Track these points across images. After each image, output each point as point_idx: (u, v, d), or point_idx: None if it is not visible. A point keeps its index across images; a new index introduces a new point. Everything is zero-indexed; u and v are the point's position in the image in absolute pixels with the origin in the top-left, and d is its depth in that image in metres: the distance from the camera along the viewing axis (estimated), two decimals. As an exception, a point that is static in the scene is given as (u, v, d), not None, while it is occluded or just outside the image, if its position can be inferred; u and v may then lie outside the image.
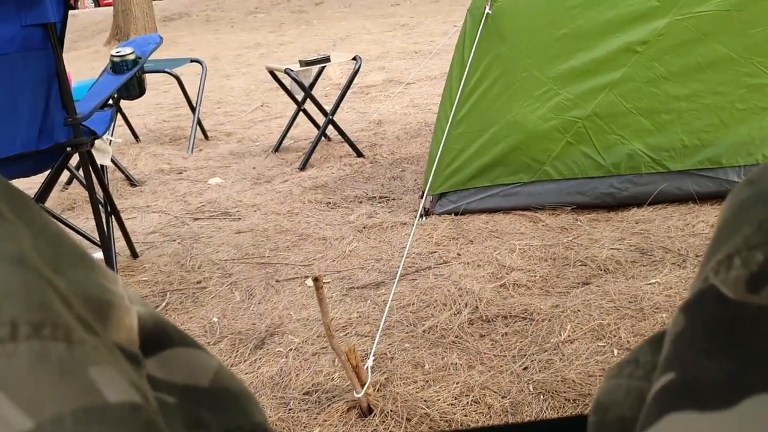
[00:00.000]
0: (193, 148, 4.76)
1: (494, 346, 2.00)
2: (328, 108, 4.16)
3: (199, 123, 4.99)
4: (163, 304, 2.50)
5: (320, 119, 4.22)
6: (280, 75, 4.28)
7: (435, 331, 2.10)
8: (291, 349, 2.09)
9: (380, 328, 2.04)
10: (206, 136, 5.07)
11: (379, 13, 13.13)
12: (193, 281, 2.67)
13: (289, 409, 1.80)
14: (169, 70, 5.04)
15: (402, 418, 1.70)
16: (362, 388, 1.71)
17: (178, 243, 3.08)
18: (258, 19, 14.53)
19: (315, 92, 4.34)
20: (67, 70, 2.29)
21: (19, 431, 0.23)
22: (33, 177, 2.57)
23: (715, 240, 0.32)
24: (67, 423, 0.24)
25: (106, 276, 0.34)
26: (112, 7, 12.97)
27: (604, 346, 1.94)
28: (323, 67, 4.42)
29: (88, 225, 3.22)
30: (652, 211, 2.81)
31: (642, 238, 2.59)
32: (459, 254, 2.62)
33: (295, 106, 4.50)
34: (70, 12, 2.24)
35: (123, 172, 4.07)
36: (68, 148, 2.35)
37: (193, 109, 4.96)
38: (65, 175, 3.71)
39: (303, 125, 4.73)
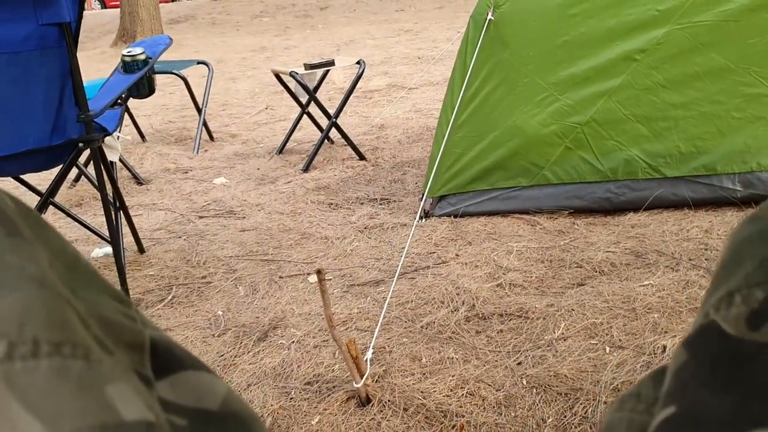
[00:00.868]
0: (198, 148, 4.83)
1: (489, 342, 2.06)
2: (331, 111, 4.23)
3: (205, 124, 5.07)
4: (169, 297, 2.57)
5: (324, 122, 4.29)
6: (285, 78, 4.35)
7: (432, 327, 2.16)
8: (293, 342, 2.15)
9: (379, 323, 2.10)
10: (211, 137, 5.14)
11: (383, 18, 13.21)
12: (199, 276, 2.73)
13: (291, 398, 1.86)
14: (176, 72, 5.12)
15: (399, 408, 1.76)
16: (361, 378, 1.77)
17: (184, 240, 3.15)
18: (263, 22, 14.63)
19: (319, 96, 4.41)
20: (79, 68, 2.36)
21: None
22: (41, 173, 2.64)
23: (717, 276, 0.32)
24: None
25: (120, 299, 0.35)
26: (118, 9, 13.06)
27: (597, 344, 1.99)
28: (327, 71, 4.49)
29: (96, 221, 3.29)
30: (647, 215, 2.87)
31: (637, 242, 2.65)
32: (457, 255, 2.68)
33: (299, 109, 4.57)
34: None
35: (130, 171, 4.14)
36: (80, 144, 2.42)
37: (199, 110, 5.04)
38: (73, 172, 3.78)
39: (307, 128, 4.81)
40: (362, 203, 3.43)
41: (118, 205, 2.74)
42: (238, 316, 2.37)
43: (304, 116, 4.54)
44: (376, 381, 1.87)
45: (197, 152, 4.78)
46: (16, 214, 0.31)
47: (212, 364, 2.07)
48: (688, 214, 2.85)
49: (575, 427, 1.67)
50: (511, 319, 2.18)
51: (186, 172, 4.32)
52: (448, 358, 1.98)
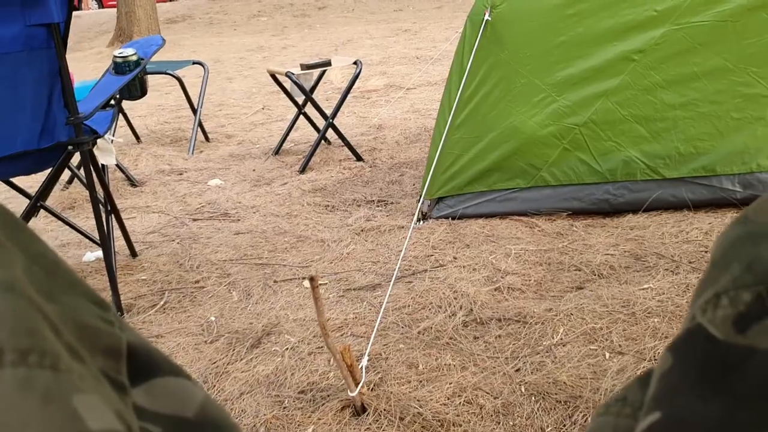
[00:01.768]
0: (193, 149, 4.79)
1: (487, 347, 2.03)
2: (328, 112, 4.19)
3: (200, 125, 5.02)
4: (161, 302, 2.53)
5: (320, 123, 4.25)
6: (282, 78, 4.31)
7: (429, 332, 2.13)
8: (287, 349, 2.11)
9: (375, 329, 2.06)
10: (207, 138, 5.10)
11: (381, 18, 13.17)
12: (192, 281, 2.69)
13: (284, 407, 1.82)
14: (171, 72, 5.07)
15: (395, 417, 1.72)
16: (356, 387, 1.73)
17: (177, 243, 3.11)
18: (261, 22, 14.58)
19: (316, 96, 4.37)
20: (70, 70, 2.32)
21: None
22: (34, 175, 2.60)
23: (705, 278, 0.31)
24: None
25: (99, 302, 0.34)
26: (115, 9, 13.01)
27: (596, 350, 1.96)
28: (324, 71, 4.45)
29: (88, 224, 3.25)
30: (646, 217, 2.84)
31: (636, 244, 2.62)
32: (455, 258, 2.65)
33: (295, 110, 4.53)
34: (74, 13, 2.27)
35: (123, 173, 4.10)
36: (69, 147, 2.37)
37: (194, 110, 4.99)
38: (66, 175, 3.74)
39: (303, 128, 4.77)
40: (359, 205, 3.40)
41: (109, 208, 2.69)
42: (231, 322, 2.33)
43: (301, 117, 4.50)
44: (372, 389, 1.83)
45: (192, 153, 4.73)
46: None
47: (204, 372, 2.03)
48: (687, 215, 2.82)
49: (574, 437, 1.63)
50: (509, 324, 2.14)
51: (181, 174, 4.27)
52: (445, 364, 1.94)
